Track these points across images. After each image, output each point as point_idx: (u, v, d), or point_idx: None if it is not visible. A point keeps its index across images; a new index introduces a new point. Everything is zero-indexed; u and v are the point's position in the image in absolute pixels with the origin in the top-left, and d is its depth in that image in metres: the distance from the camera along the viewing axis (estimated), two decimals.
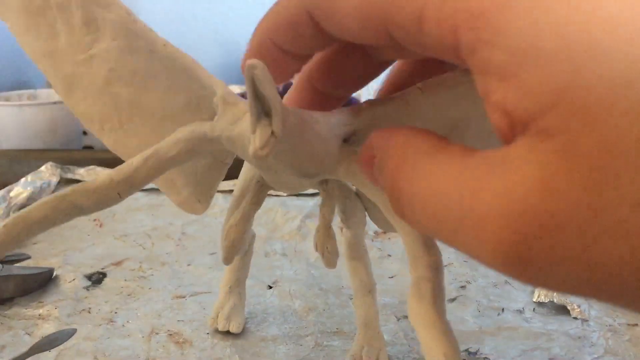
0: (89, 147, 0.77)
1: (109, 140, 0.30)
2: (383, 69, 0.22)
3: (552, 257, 0.12)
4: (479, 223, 0.13)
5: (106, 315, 0.38)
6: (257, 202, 0.28)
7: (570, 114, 0.11)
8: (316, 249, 0.28)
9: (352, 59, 0.21)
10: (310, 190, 0.60)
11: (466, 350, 0.35)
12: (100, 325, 0.37)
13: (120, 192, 0.24)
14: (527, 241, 0.12)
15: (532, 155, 0.12)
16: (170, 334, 0.36)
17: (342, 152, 0.23)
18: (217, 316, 0.36)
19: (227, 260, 0.29)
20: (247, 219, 0.28)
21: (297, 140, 0.21)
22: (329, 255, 0.28)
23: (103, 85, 0.28)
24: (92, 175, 0.61)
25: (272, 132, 0.18)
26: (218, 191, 0.59)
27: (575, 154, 0.11)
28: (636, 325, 0.38)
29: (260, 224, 0.53)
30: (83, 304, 0.40)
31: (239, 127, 0.22)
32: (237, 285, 0.37)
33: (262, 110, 0.18)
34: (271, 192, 0.59)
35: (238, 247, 0.28)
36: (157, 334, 0.36)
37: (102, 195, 0.24)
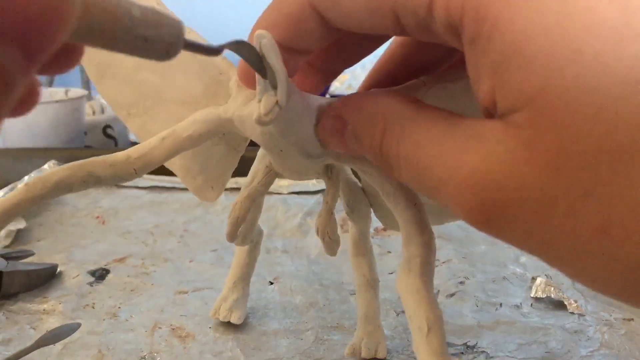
0: (88, 147, 0.78)
1: (133, 126, 0.31)
2: (380, 44, 0.22)
3: (512, 220, 0.14)
4: (457, 189, 0.15)
5: (110, 310, 0.39)
6: (264, 185, 0.29)
7: (539, 114, 0.13)
8: (317, 234, 0.29)
9: (350, 38, 0.21)
10: (312, 188, 0.61)
11: (464, 344, 0.35)
12: (104, 320, 0.37)
13: (137, 168, 0.26)
14: (491, 208, 0.14)
15: (503, 139, 0.14)
16: (173, 328, 0.37)
17: None
18: (220, 308, 0.37)
19: (231, 235, 0.30)
20: (252, 198, 0.29)
21: (302, 117, 0.22)
22: (329, 241, 0.29)
23: (131, 72, 0.29)
24: None
25: (277, 102, 0.19)
26: None
27: (537, 148, 0.13)
28: (632, 320, 0.38)
29: (261, 221, 0.53)
30: (87, 299, 0.40)
31: (250, 107, 0.23)
32: (242, 280, 0.38)
33: (269, 82, 0.19)
34: (272, 190, 0.59)
35: (242, 223, 0.29)
36: (160, 328, 0.37)
37: (119, 169, 0.26)
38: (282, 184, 0.61)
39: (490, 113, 0.15)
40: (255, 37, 0.18)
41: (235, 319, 0.37)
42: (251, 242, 0.37)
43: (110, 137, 0.79)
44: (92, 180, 0.26)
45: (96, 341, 0.35)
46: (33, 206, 0.27)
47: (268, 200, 0.58)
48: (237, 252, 0.38)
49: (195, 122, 0.25)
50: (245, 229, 0.33)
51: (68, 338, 0.35)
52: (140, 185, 0.61)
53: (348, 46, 0.22)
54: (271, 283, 0.43)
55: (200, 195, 0.32)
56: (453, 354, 0.35)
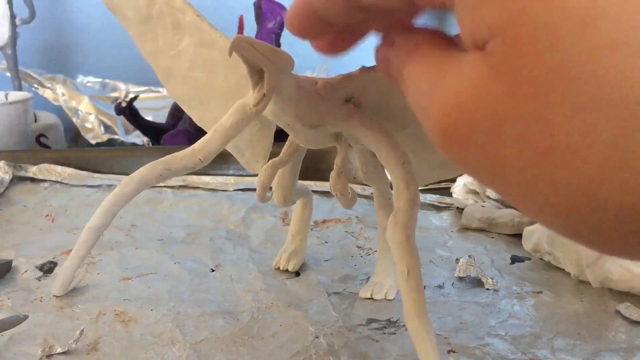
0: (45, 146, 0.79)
1: (194, 116, 0.39)
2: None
3: (469, 141, 0.15)
4: (431, 107, 0.16)
5: (56, 303, 0.40)
6: (287, 155, 0.36)
7: (505, 43, 0.14)
8: (331, 191, 0.36)
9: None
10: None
11: (388, 319, 0.39)
12: (50, 312, 0.39)
13: (201, 158, 0.33)
14: (454, 125, 0.15)
15: (475, 64, 0.15)
16: (117, 314, 0.39)
17: (343, 108, 0.30)
18: (280, 259, 0.44)
19: (260, 196, 0.38)
20: (275, 166, 0.36)
21: (298, 96, 0.28)
22: (341, 197, 0.35)
23: (187, 73, 0.36)
24: (44, 171, 0.63)
25: (264, 94, 0.26)
26: (167, 186, 0.62)
27: (499, 72, 0.14)
28: (540, 292, 0.42)
29: (207, 216, 0.56)
30: (35, 294, 0.42)
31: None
32: (299, 234, 0.45)
33: (260, 77, 0.25)
34: (217, 187, 0.62)
35: (267, 187, 0.37)
36: (104, 314, 0.39)
37: (187, 161, 0.33)
38: (228, 182, 0.63)
39: (472, 47, 0.16)
40: (231, 46, 0.23)
41: (291, 267, 0.44)
42: (293, 202, 0.44)
43: (44, 145, 0.80)
44: (167, 174, 0.33)
45: (42, 332, 0.37)
46: (129, 200, 0.36)
47: (214, 196, 0.61)
48: (295, 210, 0.46)
49: (232, 113, 0.31)
50: (282, 193, 0.40)
51: (14, 329, 0.36)
52: (89, 183, 0.63)
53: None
54: (213, 270, 0.45)
55: (250, 168, 0.40)
56: (377, 329, 0.38)
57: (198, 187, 0.63)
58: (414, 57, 0.19)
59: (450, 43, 0.18)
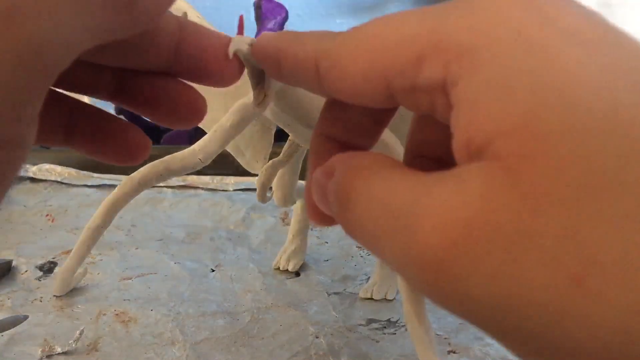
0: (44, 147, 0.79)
1: None
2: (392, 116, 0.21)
3: (471, 269, 0.12)
4: (414, 225, 0.13)
5: (56, 303, 0.40)
6: (287, 155, 0.37)
7: (522, 140, 0.12)
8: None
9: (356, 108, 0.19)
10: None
11: (388, 319, 0.39)
12: (50, 313, 0.39)
13: (201, 158, 0.33)
14: (453, 248, 0.12)
15: (481, 172, 0.12)
16: (117, 314, 0.39)
17: None
18: (280, 259, 0.45)
19: (260, 196, 0.38)
20: (275, 166, 0.37)
21: (299, 98, 0.29)
22: None
23: None
24: (44, 171, 0.63)
25: (265, 95, 0.26)
26: (168, 187, 0.62)
27: (517, 177, 0.12)
28: None
29: (207, 217, 0.56)
30: (35, 294, 0.42)
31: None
32: (299, 234, 0.46)
33: (261, 78, 0.26)
34: (217, 187, 0.62)
35: (268, 187, 0.38)
36: (104, 315, 0.39)
37: (187, 161, 0.33)
38: (227, 182, 0.63)
39: (466, 158, 0.14)
40: (231, 46, 0.23)
41: (291, 267, 0.44)
42: (293, 202, 0.44)
43: (44, 145, 0.79)
44: (167, 174, 0.33)
45: (42, 332, 0.37)
46: (129, 201, 0.36)
47: (214, 196, 0.61)
48: (295, 211, 0.46)
49: (232, 113, 0.31)
50: (282, 193, 0.40)
51: (14, 329, 0.37)
52: (89, 183, 0.63)
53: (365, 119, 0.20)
54: (213, 270, 0.45)
55: (250, 168, 0.40)
56: (377, 329, 0.38)
57: (198, 187, 0.63)
58: (369, 175, 0.15)
59: (408, 165, 0.16)
